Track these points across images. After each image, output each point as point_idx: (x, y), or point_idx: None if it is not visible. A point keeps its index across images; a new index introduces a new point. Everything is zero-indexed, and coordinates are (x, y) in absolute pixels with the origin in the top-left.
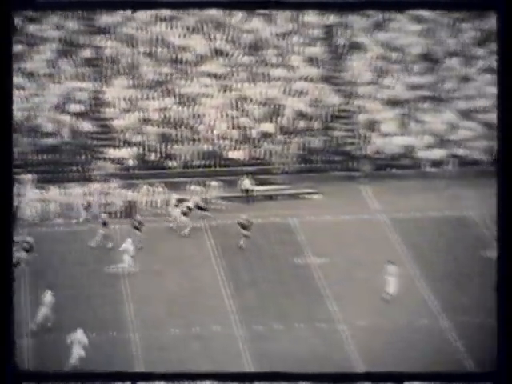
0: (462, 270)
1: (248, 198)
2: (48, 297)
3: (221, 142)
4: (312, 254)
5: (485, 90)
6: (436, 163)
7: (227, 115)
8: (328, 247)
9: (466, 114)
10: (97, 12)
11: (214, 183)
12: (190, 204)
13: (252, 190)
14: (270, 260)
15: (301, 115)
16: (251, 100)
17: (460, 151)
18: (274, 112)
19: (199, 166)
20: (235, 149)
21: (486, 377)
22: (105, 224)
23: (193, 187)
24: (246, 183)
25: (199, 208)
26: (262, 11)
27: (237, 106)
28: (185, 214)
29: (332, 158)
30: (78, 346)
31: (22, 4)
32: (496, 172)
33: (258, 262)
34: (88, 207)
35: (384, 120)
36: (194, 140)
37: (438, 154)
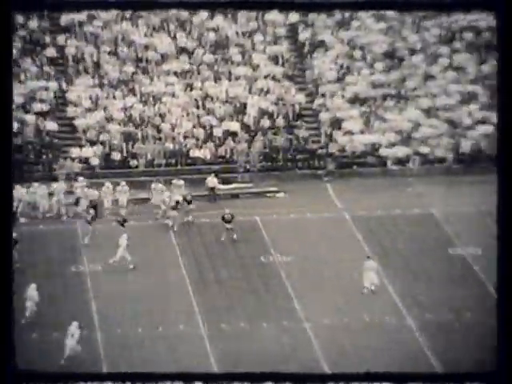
0: (425, 268)
1: (212, 196)
2: (32, 291)
3: (185, 140)
4: (277, 252)
5: (448, 88)
6: (400, 161)
7: (191, 114)
8: (293, 245)
9: (430, 112)
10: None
11: (178, 182)
12: (179, 198)
13: (216, 189)
14: (236, 259)
15: (265, 114)
16: (215, 98)
17: (423, 149)
18: (238, 110)
19: (163, 165)
20: (199, 147)
21: (485, 377)
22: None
23: (154, 185)
24: (211, 182)
25: (186, 201)
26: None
27: (201, 104)
28: (173, 208)
29: (296, 156)
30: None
31: (22, 4)
32: (496, 172)
33: (223, 261)
34: (76, 203)
35: (348, 118)
36: (157, 139)
37: (401, 151)
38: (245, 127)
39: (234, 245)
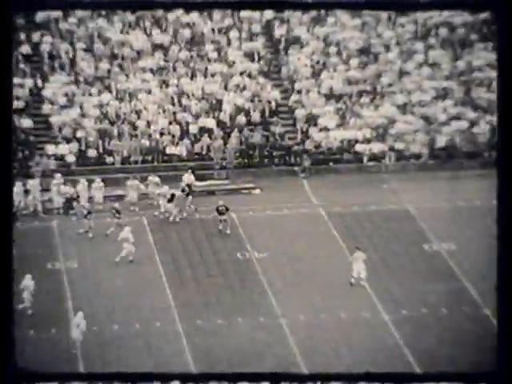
0: (401, 263)
1: (188, 193)
2: (27, 281)
3: (161, 137)
4: (254, 248)
5: (423, 84)
6: (375, 157)
7: (167, 111)
8: (269, 242)
9: (405, 108)
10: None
11: (154, 179)
12: (175, 191)
13: (192, 186)
14: (213, 255)
15: (240, 110)
16: (191, 95)
17: (399, 145)
18: (214, 107)
19: (139, 162)
20: (175, 144)
21: (485, 377)
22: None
23: (129, 182)
24: (187, 178)
25: (184, 193)
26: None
27: (177, 101)
28: (169, 200)
29: (272, 152)
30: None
31: (22, 4)
32: (497, 173)
33: (200, 257)
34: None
35: (323, 114)
36: (133, 136)
37: (377, 148)
38: (221, 124)
39: (211, 241)
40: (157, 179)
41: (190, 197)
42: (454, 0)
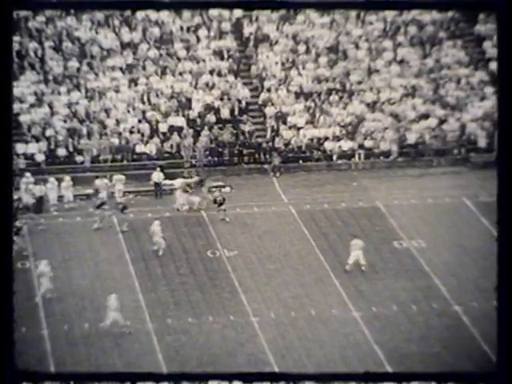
0: (371, 261)
1: (158, 191)
2: (43, 267)
3: (130, 135)
4: (224, 247)
5: (392, 82)
6: (345, 155)
7: (136, 109)
8: (239, 240)
9: (374, 106)
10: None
11: (119, 177)
12: (191, 182)
13: (161, 184)
14: (183, 253)
15: (210, 109)
16: (160, 93)
17: (368, 143)
18: (183, 105)
19: (109, 161)
20: (145, 143)
21: (485, 377)
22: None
23: (98, 181)
24: (156, 177)
25: (216, 203)
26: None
27: (146, 99)
28: (186, 191)
29: (242, 150)
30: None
31: (22, 3)
32: (497, 173)
33: (170, 256)
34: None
35: (293, 112)
36: (102, 134)
37: (346, 145)
38: (190, 122)
39: (181, 240)
40: (122, 177)
41: (223, 207)
42: (454, 0)
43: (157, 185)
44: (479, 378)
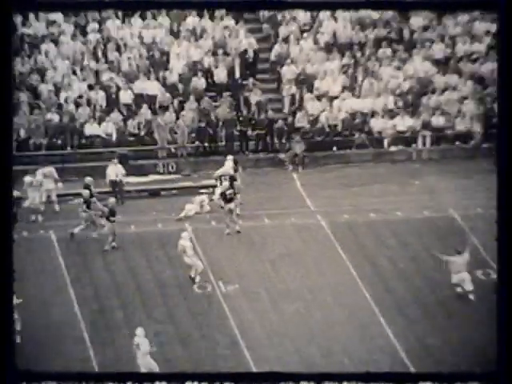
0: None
1: (117, 194)
2: None
3: (76, 110)
4: (217, 278)
5: (474, 27)
6: (402, 139)
7: (85, 68)
8: (240, 268)
9: (447, 63)
10: None
11: (47, 170)
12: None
13: (122, 183)
14: (157, 289)
15: (197, 68)
16: (122, 45)
17: (438, 120)
18: (157, 63)
19: (43, 147)
20: (97, 120)
21: (485, 377)
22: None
23: (28, 178)
24: (113, 172)
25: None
26: None
27: (102, 53)
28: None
29: (246, 132)
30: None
31: (22, 4)
32: (497, 174)
33: (137, 294)
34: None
35: (323, 74)
36: (34, 107)
37: (404, 124)
38: (168, 89)
39: (152, 268)
40: (51, 169)
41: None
42: (456, 0)
43: (114, 184)
44: (479, 378)
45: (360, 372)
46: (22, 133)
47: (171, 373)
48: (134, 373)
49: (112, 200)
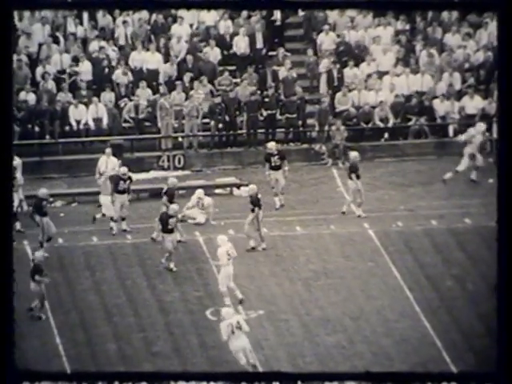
0: None
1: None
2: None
3: (57, 89)
4: (237, 303)
5: None
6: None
7: (69, 37)
8: (265, 289)
9: None
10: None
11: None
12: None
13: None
14: (160, 315)
15: (207, 33)
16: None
17: None
18: (158, 29)
19: (15, 136)
20: (84, 102)
21: (485, 377)
22: None
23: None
24: (103, 165)
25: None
26: None
27: (87, 16)
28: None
29: (274, 117)
30: None
31: (22, 3)
32: (497, 174)
33: (135, 323)
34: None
35: (373, 45)
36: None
37: (473, 106)
38: (174, 60)
39: (154, 289)
40: (18, 162)
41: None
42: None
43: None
44: (479, 378)
45: (360, 372)
46: None
47: (171, 372)
48: (134, 373)
49: (39, 254)
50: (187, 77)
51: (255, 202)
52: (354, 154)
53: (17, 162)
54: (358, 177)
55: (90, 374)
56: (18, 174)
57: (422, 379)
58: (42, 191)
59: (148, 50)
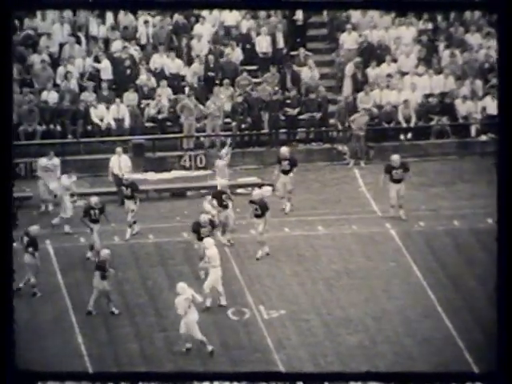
0: None
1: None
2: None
3: (80, 90)
4: (259, 301)
5: None
6: (493, 124)
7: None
8: (287, 289)
9: None
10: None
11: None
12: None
13: (127, 180)
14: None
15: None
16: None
17: None
18: (180, 28)
19: (38, 135)
20: (105, 102)
21: (486, 377)
22: None
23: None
24: (117, 164)
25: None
26: None
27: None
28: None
29: (297, 116)
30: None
31: (22, 3)
32: (497, 172)
33: (157, 323)
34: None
35: (396, 44)
36: (24, 84)
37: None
38: (194, 61)
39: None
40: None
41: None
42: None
43: (119, 181)
44: (479, 378)
45: (360, 372)
46: (14, 118)
47: (173, 373)
48: (134, 373)
49: (35, 228)
50: (206, 77)
51: (264, 208)
52: (395, 157)
53: (56, 161)
54: (398, 180)
55: (90, 374)
56: (60, 174)
57: (421, 379)
58: (93, 199)
59: (168, 56)
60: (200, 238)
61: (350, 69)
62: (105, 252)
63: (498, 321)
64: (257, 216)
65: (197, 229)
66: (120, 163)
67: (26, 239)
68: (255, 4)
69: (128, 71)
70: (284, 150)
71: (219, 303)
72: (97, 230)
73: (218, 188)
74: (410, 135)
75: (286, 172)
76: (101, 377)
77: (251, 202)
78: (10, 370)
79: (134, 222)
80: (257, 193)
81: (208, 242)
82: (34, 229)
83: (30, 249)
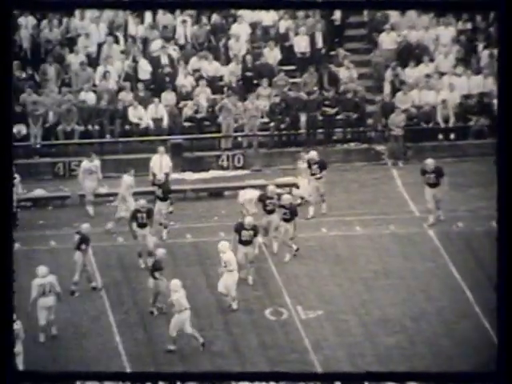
0: None
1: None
2: None
3: (117, 90)
4: (296, 301)
5: None
6: None
7: (129, 39)
8: (325, 289)
9: None
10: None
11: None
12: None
13: (168, 181)
14: (219, 314)
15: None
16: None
17: None
18: (218, 28)
19: (76, 135)
20: (144, 104)
21: (486, 377)
22: None
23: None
24: (158, 165)
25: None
26: None
27: (151, 16)
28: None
29: (336, 115)
30: None
31: (22, 3)
32: (497, 172)
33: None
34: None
35: (433, 41)
36: (62, 84)
37: None
38: (234, 61)
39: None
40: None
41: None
42: (456, 0)
43: (163, 184)
44: (479, 378)
45: (360, 372)
46: (51, 116)
47: (173, 373)
48: (134, 373)
49: (86, 227)
50: (245, 77)
51: (293, 212)
52: (429, 161)
53: (97, 162)
54: (433, 184)
55: (90, 374)
56: (101, 175)
57: (421, 379)
58: (140, 202)
59: (207, 58)
60: (240, 241)
61: (390, 73)
62: (160, 251)
63: (498, 321)
64: (285, 220)
65: (239, 230)
66: (161, 162)
67: (76, 237)
68: (294, 4)
69: (166, 70)
70: (313, 154)
71: (231, 308)
72: (148, 232)
73: (268, 193)
74: (450, 135)
75: (315, 175)
76: (139, 376)
77: (281, 206)
78: (10, 370)
79: (160, 224)
80: (286, 197)
81: (224, 246)
82: (85, 227)
83: (83, 246)
